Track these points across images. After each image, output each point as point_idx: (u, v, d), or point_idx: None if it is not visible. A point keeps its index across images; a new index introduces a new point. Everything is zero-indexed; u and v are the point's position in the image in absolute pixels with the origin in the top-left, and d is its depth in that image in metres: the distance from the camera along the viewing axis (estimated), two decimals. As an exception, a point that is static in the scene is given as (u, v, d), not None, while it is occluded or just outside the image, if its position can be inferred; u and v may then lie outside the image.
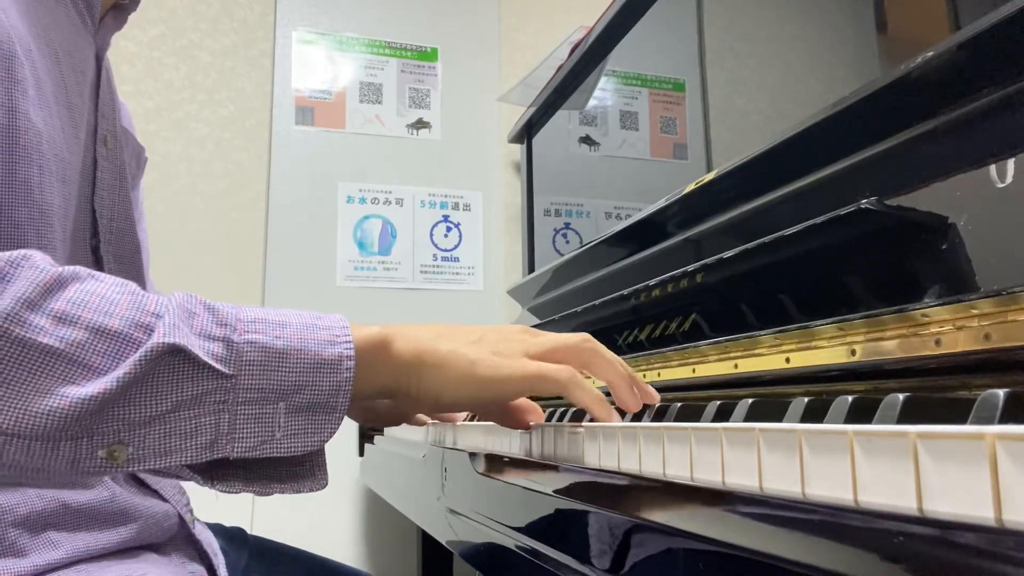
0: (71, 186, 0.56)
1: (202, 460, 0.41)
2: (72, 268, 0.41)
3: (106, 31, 0.64)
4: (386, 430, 1.24)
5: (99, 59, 0.63)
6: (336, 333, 0.44)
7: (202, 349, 0.40)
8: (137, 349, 0.39)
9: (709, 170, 0.80)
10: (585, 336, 0.51)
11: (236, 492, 0.45)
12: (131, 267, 0.65)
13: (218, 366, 0.40)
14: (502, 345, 0.49)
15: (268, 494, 0.45)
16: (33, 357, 0.37)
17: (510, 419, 0.55)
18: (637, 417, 0.53)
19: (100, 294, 0.41)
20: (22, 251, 0.40)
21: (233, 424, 0.41)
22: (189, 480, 0.43)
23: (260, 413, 0.41)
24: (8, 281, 0.38)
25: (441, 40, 1.96)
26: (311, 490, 0.45)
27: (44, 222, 0.51)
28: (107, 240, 0.62)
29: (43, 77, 0.53)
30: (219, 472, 0.43)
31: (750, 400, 0.42)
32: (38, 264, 0.40)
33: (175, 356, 0.39)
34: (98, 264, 0.61)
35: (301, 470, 0.45)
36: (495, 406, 0.53)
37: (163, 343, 0.39)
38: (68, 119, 0.56)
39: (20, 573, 0.51)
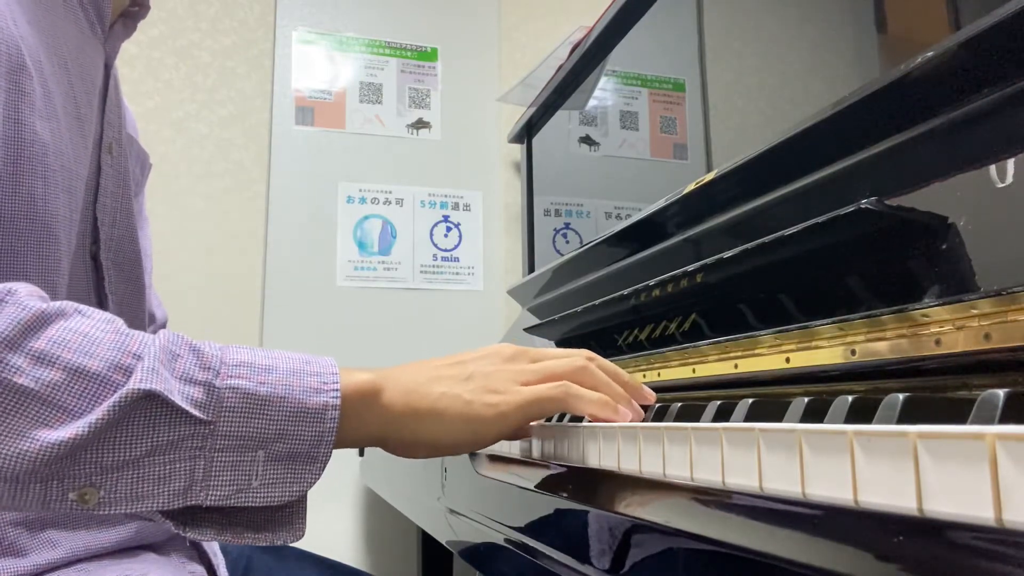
0: (76, 196, 0.55)
1: (175, 506, 0.40)
2: (58, 304, 0.41)
3: (115, 38, 0.63)
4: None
5: (107, 67, 0.62)
6: (324, 380, 0.43)
7: (181, 394, 0.40)
8: (114, 392, 0.38)
9: (709, 170, 0.80)
10: (579, 364, 0.50)
11: (208, 539, 0.44)
12: (130, 274, 0.65)
13: (196, 412, 0.40)
14: (494, 379, 0.48)
15: (242, 543, 0.44)
16: (8, 398, 0.37)
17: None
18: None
19: (83, 332, 0.40)
20: (7, 285, 0.40)
21: (208, 471, 0.40)
22: (162, 524, 0.42)
23: (237, 461, 0.40)
24: None
25: (441, 40, 1.96)
26: (286, 541, 0.43)
27: (47, 234, 0.50)
28: (107, 247, 0.61)
29: (52, 88, 0.53)
30: (192, 518, 0.42)
31: (750, 400, 0.42)
32: (22, 301, 0.39)
33: (151, 401, 0.39)
34: (97, 271, 0.61)
35: (279, 517, 0.43)
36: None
37: (138, 389, 0.38)
38: (77, 129, 0.56)
39: (20, 572, 0.51)
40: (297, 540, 0.44)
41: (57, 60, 0.54)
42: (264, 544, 0.43)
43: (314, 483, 0.42)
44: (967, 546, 0.20)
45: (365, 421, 0.45)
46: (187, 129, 1.77)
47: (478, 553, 0.64)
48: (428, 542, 1.60)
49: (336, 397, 0.43)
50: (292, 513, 0.44)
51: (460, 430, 0.46)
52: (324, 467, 0.43)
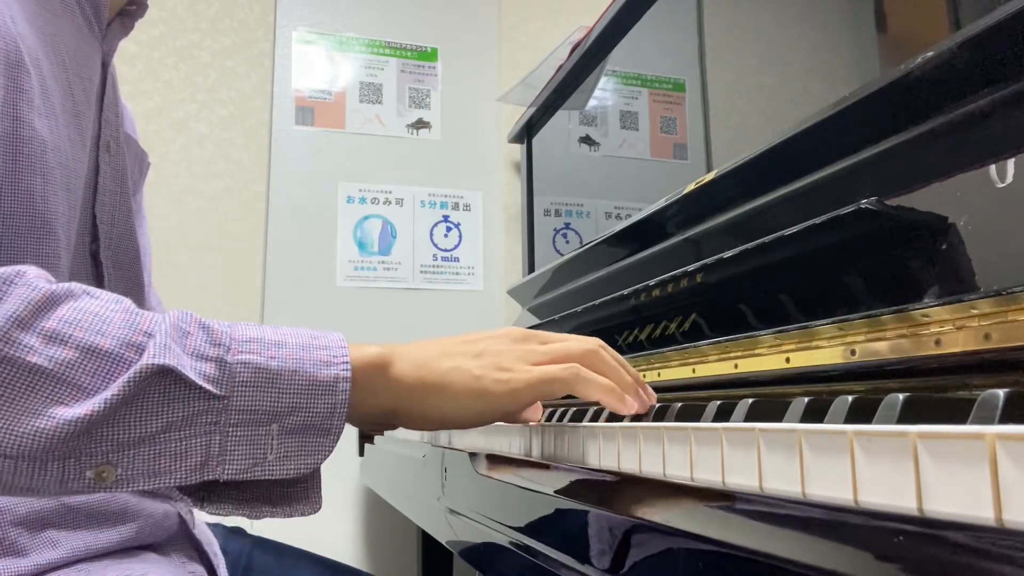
0: (76, 193, 0.55)
1: (192, 482, 0.40)
2: (67, 285, 0.41)
3: (113, 37, 0.63)
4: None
5: (105, 65, 0.62)
6: (334, 353, 0.43)
7: (193, 370, 0.40)
8: (127, 369, 0.38)
9: (709, 170, 0.80)
10: (590, 347, 0.50)
11: (226, 515, 0.44)
12: (129, 272, 0.65)
13: (209, 387, 0.40)
14: (504, 357, 0.48)
15: (259, 517, 0.44)
16: (22, 377, 0.37)
17: (513, 418, 0.55)
18: (637, 417, 0.53)
19: (93, 312, 0.40)
20: (16, 267, 0.40)
21: (224, 446, 0.40)
22: (179, 501, 0.43)
23: (252, 435, 0.41)
24: (0, 300, 0.38)
25: (441, 40, 1.96)
26: (303, 514, 0.44)
27: (46, 231, 0.51)
28: (107, 245, 0.61)
29: (50, 85, 0.53)
30: (210, 494, 0.43)
31: (750, 400, 0.42)
32: (31, 282, 0.39)
33: (165, 377, 0.39)
34: (97, 269, 0.61)
35: (295, 492, 0.44)
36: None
37: (152, 364, 0.38)
38: (75, 127, 0.56)
39: (20, 572, 0.51)
40: (314, 513, 0.44)
41: (55, 58, 0.54)
42: (282, 517, 0.44)
43: (328, 455, 0.43)
44: (967, 546, 0.20)
45: (375, 393, 0.45)
46: (187, 129, 1.77)
47: (478, 553, 0.64)
48: (428, 542, 1.60)
49: (347, 369, 0.43)
50: (307, 487, 0.44)
51: (468, 405, 0.47)
52: (337, 439, 0.43)
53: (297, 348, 0.43)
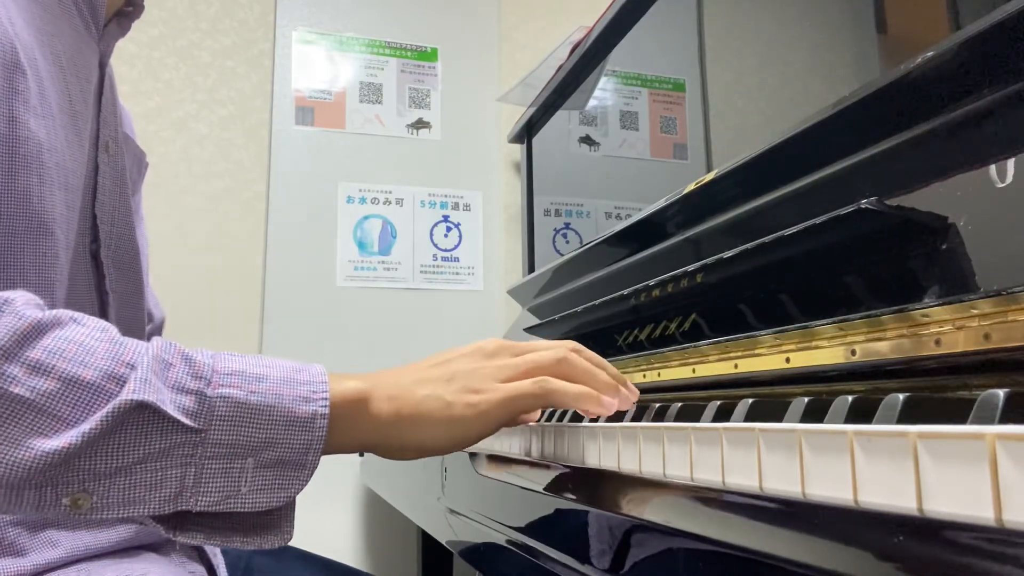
0: (74, 193, 0.56)
1: (166, 511, 0.41)
2: (54, 312, 0.41)
3: (110, 37, 0.63)
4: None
5: (102, 65, 0.63)
6: (314, 389, 0.44)
7: (172, 403, 0.40)
8: (108, 401, 0.39)
9: (709, 170, 0.80)
10: (560, 355, 0.50)
11: (197, 543, 0.44)
12: (130, 272, 0.65)
13: (187, 421, 0.40)
14: (474, 378, 0.48)
15: (230, 547, 0.44)
16: (4, 407, 0.37)
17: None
18: (637, 417, 0.53)
19: (78, 342, 0.40)
20: (4, 295, 0.40)
21: (199, 478, 0.40)
22: (151, 528, 0.43)
23: (227, 468, 0.41)
24: None
25: (441, 40, 1.96)
26: (273, 545, 0.44)
27: (43, 231, 0.51)
28: (107, 245, 0.62)
29: (47, 85, 0.53)
30: (182, 522, 0.43)
31: (750, 400, 0.42)
32: (19, 310, 0.40)
33: (144, 411, 0.39)
34: (98, 269, 0.61)
35: (268, 521, 0.44)
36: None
37: (131, 400, 0.39)
38: (72, 127, 0.56)
39: (20, 572, 0.51)
40: (285, 543, 0.44)
41: (52, 58, 0.54)
42: (252, 548, 0.44)
43: (302, 489, 0.43)
44: (967, 546, 0.20)
45: (353, 428, 0.45)
46: (187, 129, 1.77)
47: (478, 553, 0.64)
48: (428, 542, 1.60)
49: (325, 406, 0.43)
50: (280, 517, 0.44)
51: (443, 433, 0.47)
52: (312, 473, 0.43)
53: (278, 382, 0.43)
